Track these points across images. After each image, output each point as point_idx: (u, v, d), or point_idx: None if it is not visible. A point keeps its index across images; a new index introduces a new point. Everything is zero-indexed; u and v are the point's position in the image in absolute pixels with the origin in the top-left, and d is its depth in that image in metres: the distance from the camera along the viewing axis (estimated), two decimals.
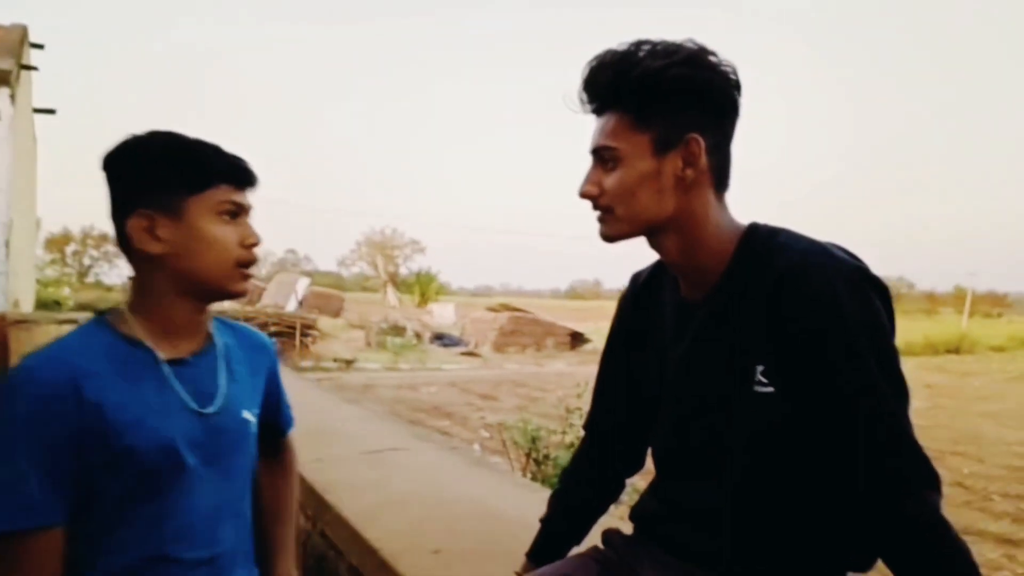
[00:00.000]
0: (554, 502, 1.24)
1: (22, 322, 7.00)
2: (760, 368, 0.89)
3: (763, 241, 0.94)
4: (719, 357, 0.94)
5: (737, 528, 0.95)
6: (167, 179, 1.01)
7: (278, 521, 1.36)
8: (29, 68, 9.46)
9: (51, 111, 11.58)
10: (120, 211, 1.03)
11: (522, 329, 25.16)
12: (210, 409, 1.06)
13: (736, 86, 0.94)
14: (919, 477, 0.83)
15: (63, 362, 0.97)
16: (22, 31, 9.03)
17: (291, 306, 25.74)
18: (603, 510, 1.22)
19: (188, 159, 1.03)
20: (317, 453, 2.41)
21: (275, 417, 1.31)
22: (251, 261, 1.07)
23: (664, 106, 0.92)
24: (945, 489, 0.85)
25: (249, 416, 1.14)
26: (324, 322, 24.03)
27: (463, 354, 22.77)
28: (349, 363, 19.09)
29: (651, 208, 0.94)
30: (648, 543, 1.07)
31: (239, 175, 1.06)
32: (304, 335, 20.94)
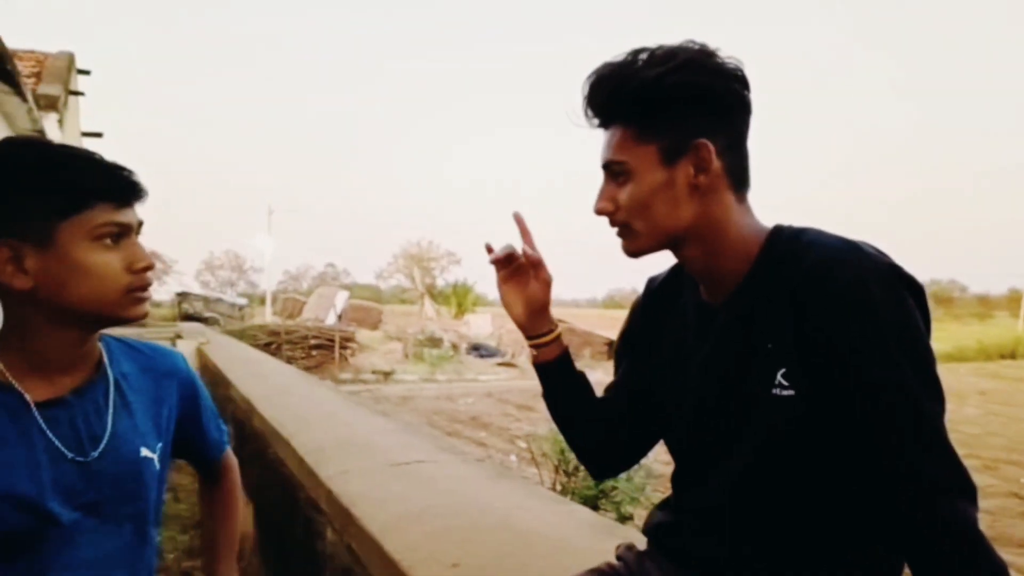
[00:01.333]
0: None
1: None
2: (782, 371, 0.86)
3: (789, 240, 0.91)
4: (740, 359, 0.91)
5: (741, 533, 0.92)
6: (32, 204, 0.87)
7: (217, 554, 1.26)
8: (76, 93, 9.87)
9: (98, 134, 12.05)
10: None
11: None
12: (93, 454, 0.95)
13: (742, 83, 0.92)
14: (953, 484, 0.78)
15: None
16: (69, 58, 9.43)
17: (330, 319, 26.15)
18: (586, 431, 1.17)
19: (54, 177, 0.88)
20: (344, 465, 2.43)
21: (199, 443, 1.20)
22: (143, 286, 0.95)
23: (666, 114, 0.90)
24: (1000, 500, 0.81)
25: (148, 453, 1.02)
26: (362, 334, 24.35)
27: (500, 365, 22.80)
28: (387, 375, 19.29)
29: (669, 219, 0.92)
30: (660, 556, 1.05)
31: (120, 191, 0.92)
32: (343, 348, 21.24)
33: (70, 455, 0.93)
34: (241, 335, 18.81)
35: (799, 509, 0.89)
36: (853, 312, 0.81)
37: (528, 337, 1.15)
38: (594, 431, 1.15)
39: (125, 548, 1.00)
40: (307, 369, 15.77)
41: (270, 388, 4.56)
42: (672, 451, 1.07)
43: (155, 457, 1.03)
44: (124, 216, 0.93)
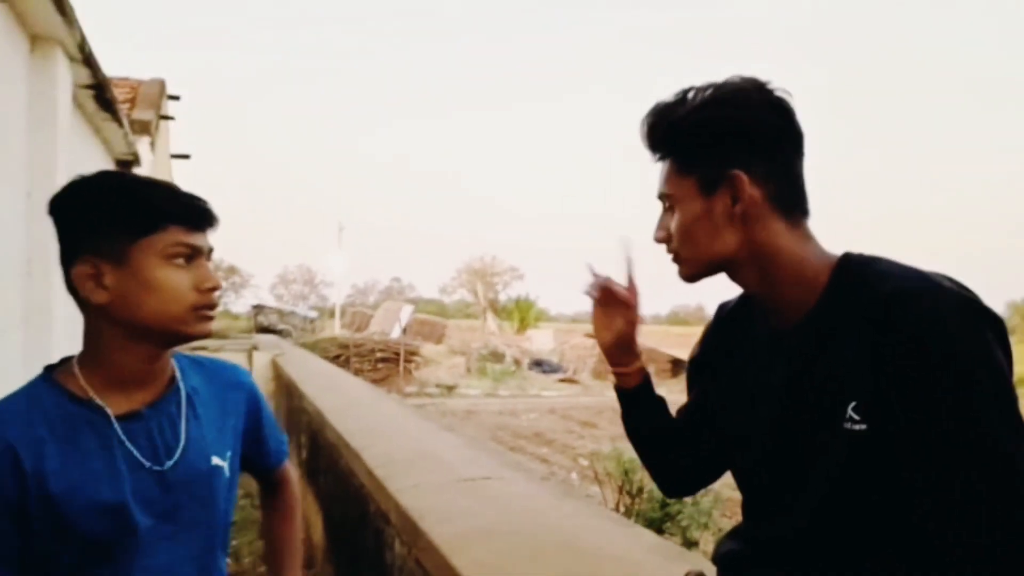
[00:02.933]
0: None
1: None
2: (852, 404, 0.85)
3: (860, 269, 0.90)
4: (810, 390, 0.91)
5: (813, 566, 0.91)
6: (111, 223, 0.95)
7: (281, 562, 1.30)
8: (166, 118, 10.50)
9: (186, 156, 12.78)
10: (66, 258, 0.97)
11: None
12: (168, 463, 1.00)
13: (782, 113, 0.94)
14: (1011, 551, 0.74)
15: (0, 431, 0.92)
16: (160, 84, 10.05)
17: (395, 333, 26.67)
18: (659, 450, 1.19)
19: (133, 201, 0.96)
20: (415, 479, 2.48)
21: (261, 453, 1.24)
22: (209, 305, 1.00)
23: (702, 148, 0.94)
24: None
25: (219, 462, 1.07)
26: (427, 349, 24.73)
27: (561, 380, 22.71)
28: (451, 389, 19.52)
29: (711, 247, 0.95)
30: None
31: (193, 216, 0.99)
32: (408, 361, 21.62)
33: (147, 464, 0.98)
34: (313, 347, 19.42)
35: (873, 542, 0.88)
36: (929, 348, 0.79)
37: (611, 364, 1.18)
38: (669, 453, 1.18)
39: (198, 553, 1.05)
40: (374, 382, 16.13)
41: (341, 401, 4.70)
42: (740, 481, 1.06)
43: (225, 466, 1.08)
44: (195, 239, 0.99)
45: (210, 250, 1.03)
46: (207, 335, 1.03)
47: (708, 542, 4.79)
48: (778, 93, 0.93)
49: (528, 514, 2.04)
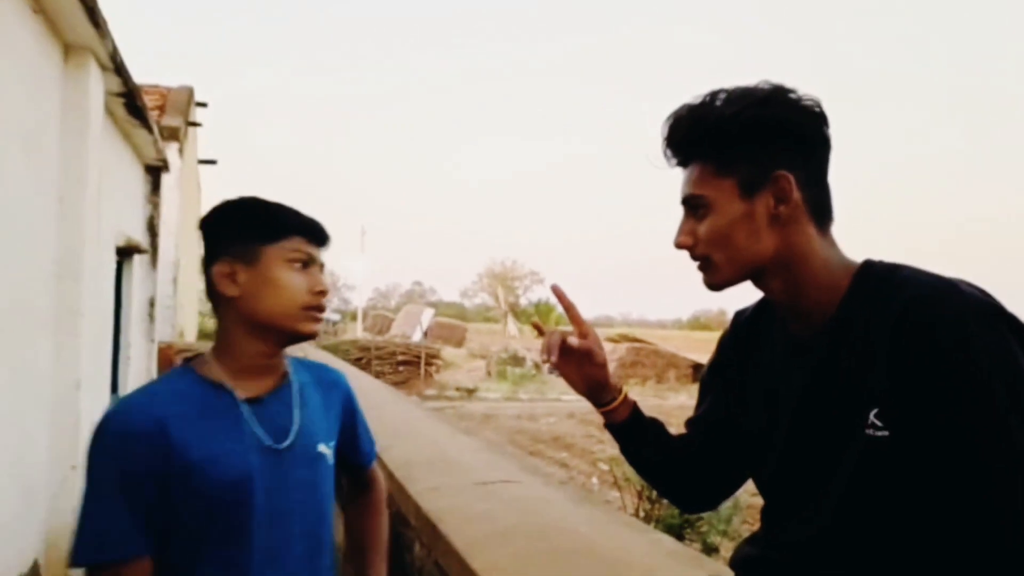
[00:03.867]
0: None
1: (186, 351, 7.85)
2: (875, 410, 0.84)
3: (882, 275, 0.89)
4: (831, 397, 0.90)
5: (834, 572, 0.90)
6: (246, 231, 1.13)
7: (366, 552, 1.39)
8: (194, 124, 10.68)
9: (213, 162, 12.99)
10: (208, 262, 1.14)
11: (643, 360, 24.63)
12: (284, 444, 1.13)
13: (820, 118, 0.93)
14: None
15: (149, 406, 1.07)
16: (189, 92, 10.23)
17: (416, 336, 26.80)
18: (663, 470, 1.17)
19: (266, 214, 1.15)
20: (434, 482, 2.51)
21: (354, 450, 1.35)
22: (319, 307, 1.16)
23: (745, 148, 0.92)
24: None
25: (324, 449, 1.19)
26: (447, 352, 24.83)
27: None
28: (471, 392, 19.54)
29: (749, 250, 0.93)
30: None
31: (313, 230, 1.17)
32: (428, 364, 21.71)
33: (268, 443, 1.12)
34: (335, 350, 19.60)
35: (895, 549, 0.87)
36: (951, 354, 0.78)
37: (595, 405, 1.17)
38: (676, 472, 1.16)
39: (308, 531, 1.16)
40: (394, 384, 16.21)
41: (361, 403, 4.74)
42: (761, 487, 1.06)
43: (329, 453, 1.21)
44: (312, 249, 1.16)
45: (323, 264, 1.19)
46: (314, 335, 1.18)
47: (728, 549, 4.74)
48: (811, 98, 0.93)
49: (546, 518, 2.05)
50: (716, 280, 0.97)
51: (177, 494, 1.04)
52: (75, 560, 1.03)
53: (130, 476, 1.03)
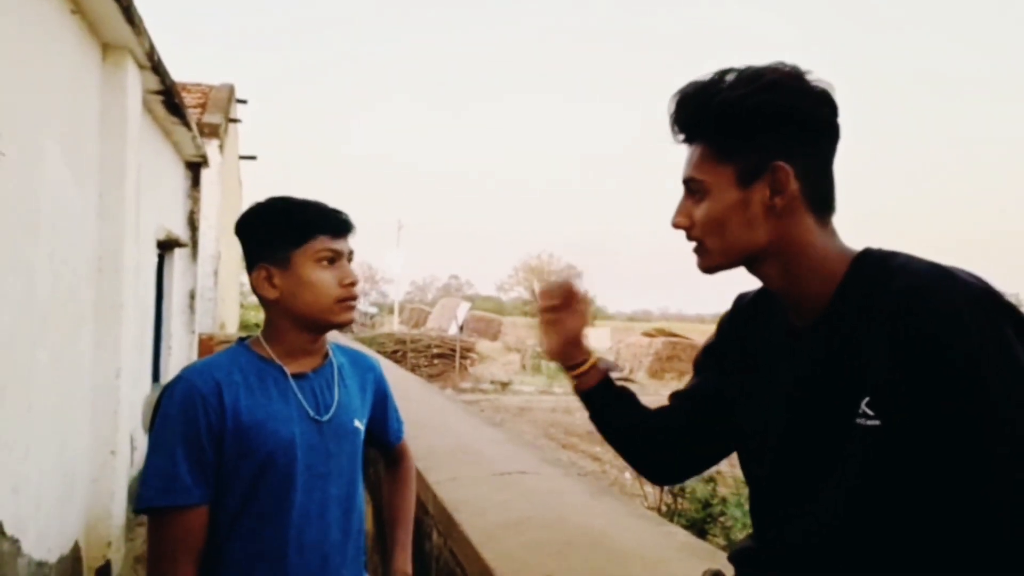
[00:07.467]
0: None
1: (226, 342, 8.07)
2: (866, 400, 0.82)
3: (878, 263, 0.87)
4: (824, 387, 0.89)
5: (827, 566, 0.89)
6: (276, 238, 1.24)
7: (395, 522, 1.52)
8: (235, 121, 10.93)
9: (253, 157, 13.28)
10: (248, 267, 1.28)
11: (679, 355, 24.35)
12: (326, 416, 1.26)
13: (829, 106, 0.90)
14: None
15: (210, 374, 1.20)
16: (230, 90, 10.47)
17: (452, 330, 27.01)
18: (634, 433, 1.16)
19: (291, 219, 1.24)
20: (453, 472, 2.53)
21: (384, 428, 1.48)
22: (350, 297, 1.26)
23: (746, 135, 0.90)
24: None
25: (359, 424, 1.32)
26: (482, 345, 24.95)
27: (617, 380, 22.49)
28: (505, 385, 19.63)
29: (742, 239, 0.92)
30: None
31: (335, 226, 1.26)
32: (463, 358, 21.87)
33: (312, 414, 1.24)
34: (370, 342, 19.88)
35: (890, 543, 0.85)
36: (944, 341, 0.76)
37: (566, 368, 1.17)
38: (648, 444, 1.15)
39: (344, 496, 1.28)
40: (429, 377, 16.39)
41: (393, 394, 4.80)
42: (751, 479, 1.04)
43: (362, 429, 1.34)
44: (338, 245, 1.25)
45: (351, 252, 1.29)
46: (350, 323, 1.29)
47: None
48: (822, 84, 0.90)
49: (560, 509, 2.05)
50: (707, 264, 0.96)
51: (232, 451, 1.17)
52: (140, 503, 1.15)
53: (192, 432, 1.15)
